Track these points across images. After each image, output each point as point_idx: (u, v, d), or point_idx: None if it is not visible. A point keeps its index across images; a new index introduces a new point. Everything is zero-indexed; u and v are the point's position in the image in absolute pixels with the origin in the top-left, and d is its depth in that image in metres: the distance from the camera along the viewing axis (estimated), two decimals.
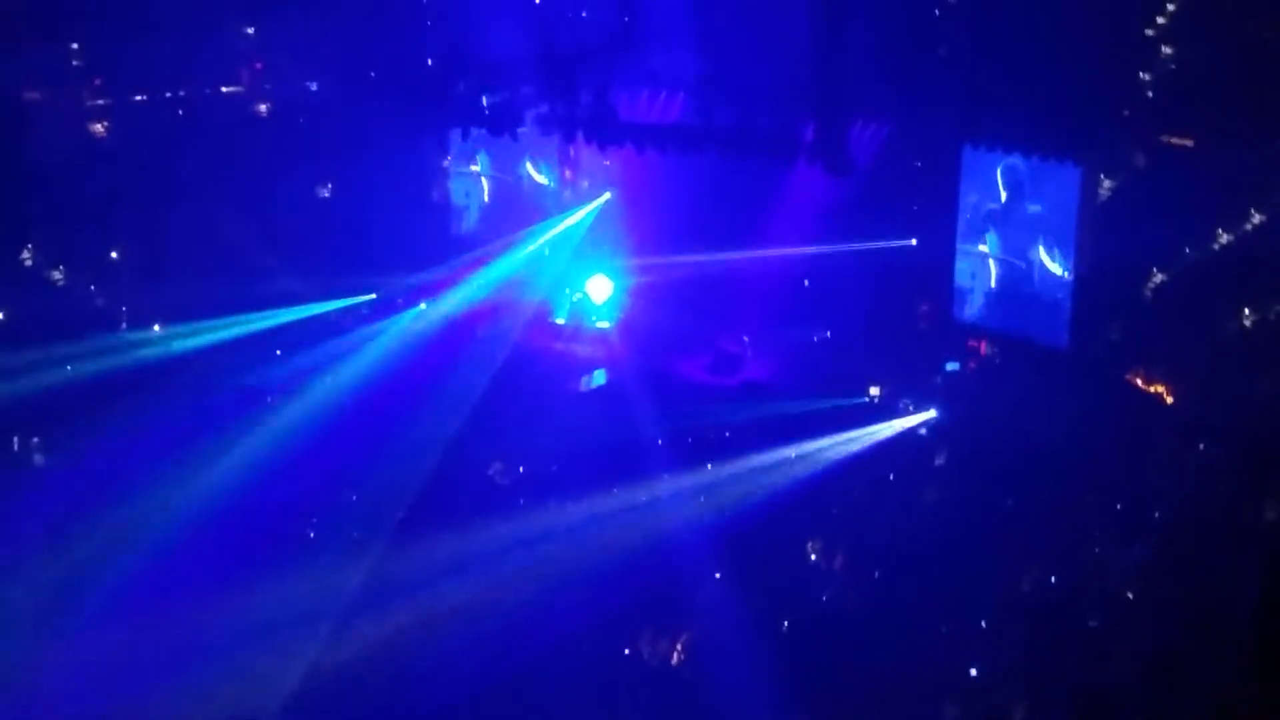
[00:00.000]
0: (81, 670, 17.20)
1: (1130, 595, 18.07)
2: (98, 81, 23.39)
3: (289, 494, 20.43)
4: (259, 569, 19.26)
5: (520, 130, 20.53)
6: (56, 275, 23.19)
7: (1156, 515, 18.71)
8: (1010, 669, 17.66)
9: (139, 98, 23.44)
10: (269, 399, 21.66)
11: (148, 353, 22.28)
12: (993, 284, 20.36)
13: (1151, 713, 15.19)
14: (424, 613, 18.66)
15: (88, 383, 21.74)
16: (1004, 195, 19.99)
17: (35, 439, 21.32)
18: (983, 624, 18.45)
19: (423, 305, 22.87)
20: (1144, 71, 20.14)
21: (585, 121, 19.61)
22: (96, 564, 18.81)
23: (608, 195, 22.85)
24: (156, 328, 22.81)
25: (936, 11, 20.33)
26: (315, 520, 20.50)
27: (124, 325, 22.83)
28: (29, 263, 23.04)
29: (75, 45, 22.97)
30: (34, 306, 22.53)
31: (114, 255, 23.38)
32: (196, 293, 22.35)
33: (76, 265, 23.21)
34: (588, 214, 23.01)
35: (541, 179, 23.18)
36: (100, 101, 23.44)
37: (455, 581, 18.98)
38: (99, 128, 23.50)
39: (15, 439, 21.31)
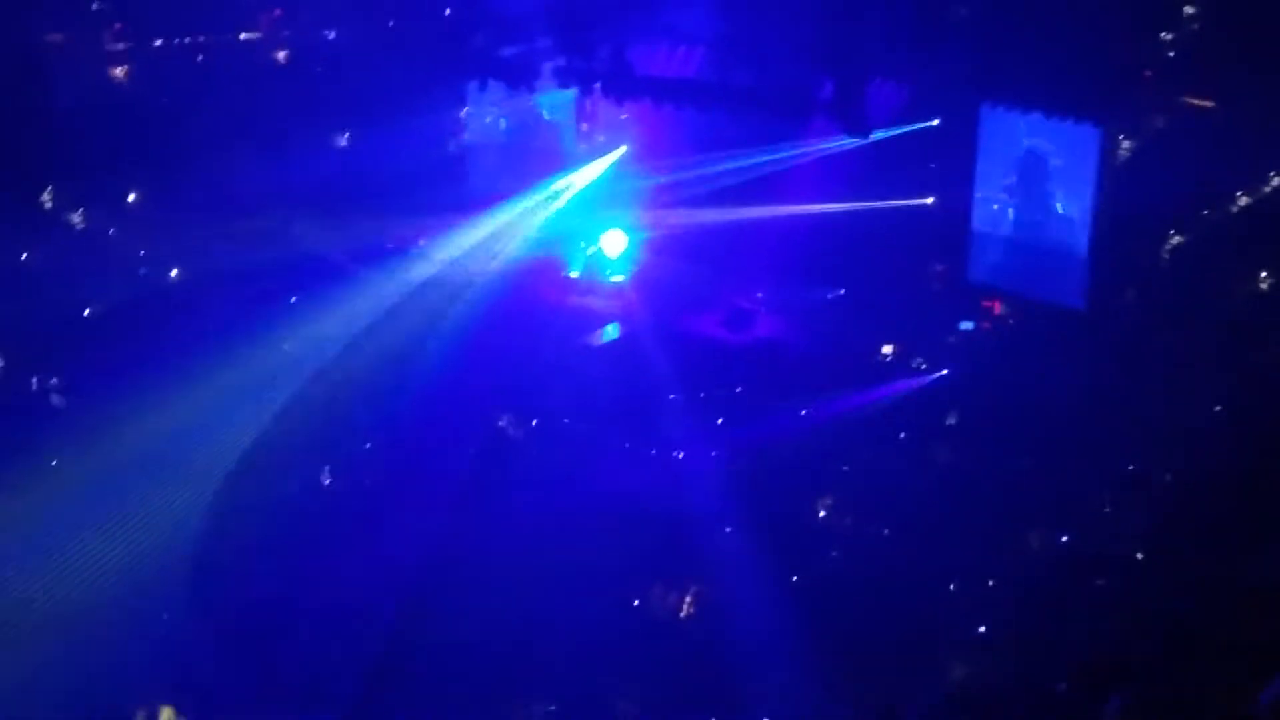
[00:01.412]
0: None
1: (1140, 556, 18.14)
2: (118, 26, 23.39)
3: (302, 441, 20.60)
4: (270, 513, 19.46)
5: (537, 82, 20.50)
6: (76, 218, 23.25)
7: (1169, 477, 18.74)
8: (1017, 628, 17.77)
9: (158, 43, 23.44)
10: (283, 345, 21.77)
11: (164, 297, 22.46)
12: (1010, 230, 20.28)
13: (1157, 674, 15.26)
14: (431, 562, 18.84)
15: (106, 325, 21.90)
16: (1026, 143, 19.94)
17: (54, 380, 21.42)
18: (990, 583, 18.55)
19: (436, 256, 22.90)
20: (1165, 31, 20.00)
21: (602, 75, 19.56)
22: (108, 510, 19.05)
23: (624, 149, 22.83)
24: (174, 272, 22.90)
25: None
26: (328, 467, 20.67)
27: (142, 270, 22.91)
28: (49, 205, 23.12)
29: None
30: (53, 249, 22.62)
31: (132, 199, 23.42)
32: (213, 238, 22.42)
33: (96, 208, 23.27)
34: (605, 167, 23.00)
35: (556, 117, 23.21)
36: (120, 46, 23.44)
37: (464, 533, 19.14)
38: (119, 72, 23.51)
39: (34, 380, 21.42)
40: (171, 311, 21.92)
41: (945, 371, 20.88)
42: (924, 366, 21.07)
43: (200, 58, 23.46)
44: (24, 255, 22.52)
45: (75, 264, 22.35)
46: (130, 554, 18.58)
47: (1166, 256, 20.25)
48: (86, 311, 22.15)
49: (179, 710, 17.33)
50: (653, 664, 18.25)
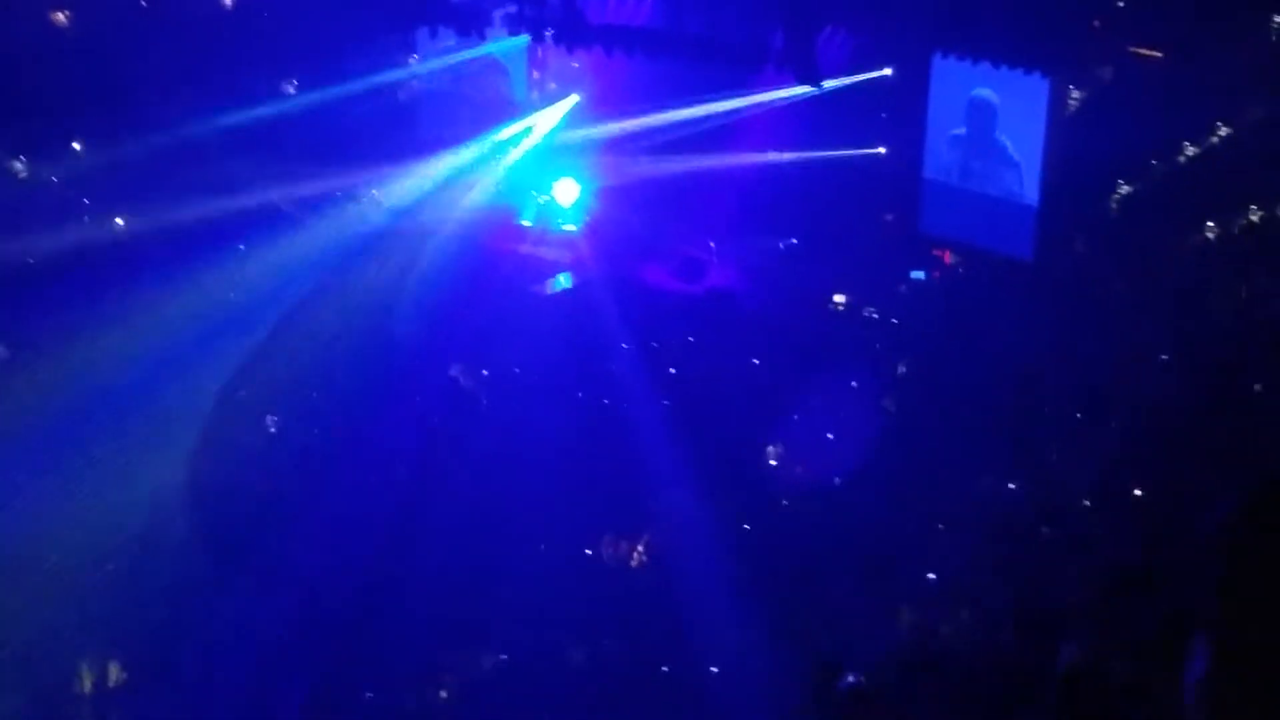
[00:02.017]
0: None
1: (1088, 504, 18.28)
2: None
3: (248, 390, 20.48)
4: (219, 464, 19.36)
5: (488, 30, 20.34)
6: (17, 166, 22.96)
7: (1116, 427, 18.87)
8: (967, 577, 17.90)
9: None
10: (230, 294, 21.60)
11: (109, 246, 22.21)
12: (960, 181, 20.27)
13: (1099, 625, 15.38)
14: (382, 512, 18.79)
15: (49, 275, 21.66)
16: (976, 93, 19.92)
17: None
18: (940, 532, 18.67)
19: (386, 204, 22.73)
20: None
21: (554, 23, 19.41)
22: (53, 463, 18.88)
23: (576, 98, 22.71)
24: (119, 220, 22.65)
25: None
26: (275, 418, 20.57)
27: (86, 218, 22.65)
28: None
29: None
30: None
31: (76, 146, 23.15)
32: (159, 186, 22.17)
33: (38, 156, 22.97)
34: (557, 116, 22.87)
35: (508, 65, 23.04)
36: None
37: (415, 484, 19.11)
38: (60, 17, 23.19)
39: None
40: (117, 260, 21.65)
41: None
42: (875, 315, 21.14)
43: (144, 3, 23.16)
44: None
45: (17, 212, 22.01)
46: (76, 507, 18.43)
47: (1115, 206, 20.35)
48: (29, 261, 21.85)
49: (125, 666, 17.31)
50: (604, 614, 18.32)
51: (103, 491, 18.54)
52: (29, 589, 17.39)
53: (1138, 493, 17.66)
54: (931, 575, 18.18)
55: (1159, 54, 19.70)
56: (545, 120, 22.87)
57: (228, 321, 21.00)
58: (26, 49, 22.38)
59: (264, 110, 22.49)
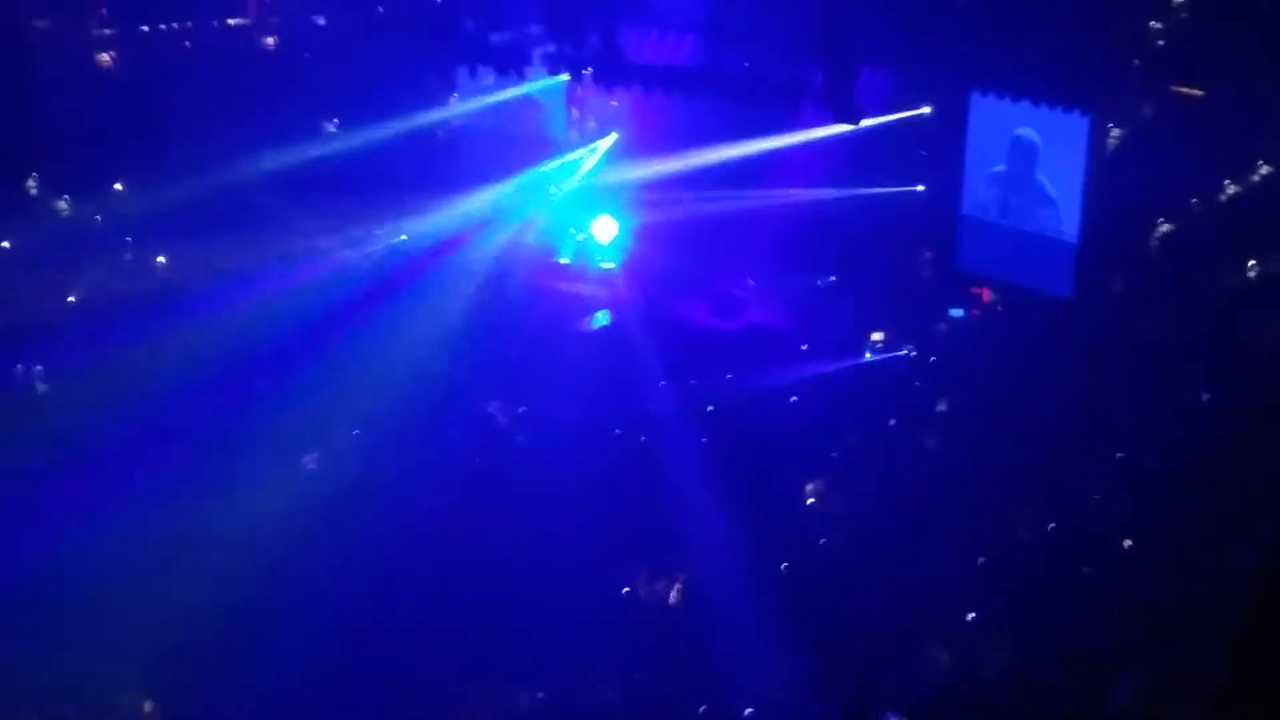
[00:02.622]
0: None
1: (1127, 544, 18.14)
2: (104, 11, 23.33)
3: (289, 426, 20.53)
4: (257, 502, 19.37)
5: (528, 69, 20.41)
6: (61, 204, 23.18)
7: (1157, 466, 18.75)
8: (1005, 616, 17.76)
9: (145, 28, 23.41)
10: (269, 332, 21.69)
11: (150, 284, 22.38)
12: (999, 218, 20.26)
13: (1142, 664, 15.26)
14: (419, 549, 18.76)
15: (91, 312, 21.82)
16: (1016, 131, 19.92)
17: (39, 367, 21.35)
18: (979, 570, 18.54)
19: (425, 242, 22.84)
20: (1154, 20, 20.05)
21: (593, 62, 19.45)
22: (91, 499, 18.96)
23: (615, 136, 22.81)
24: (161, 259, 22.82)
25: None
26: (316, 454, 20.60)
27: (128, 256, 22.84)
28: (34, 191, 23.05)
29: None
30: (38, 236, 22.53)
31: (118, 186, 23.37)
32: (200, 225, 22.34)
33: (81, 195, 23.21)
34: (595, 154, 22.97)
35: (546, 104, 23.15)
36: (106, 31, 23.41)
37: (452, 521, 19.09)
38: (105, 58, 23.47)
39: (19, 366, 21.34)
40: (158, 299, 21.82)
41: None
42: (914, 353, 21.11)
43: (187, 44, 23.43)
44: (5, 243, 22.45)
45: (60, 251, 22.24)
46: (113, 543, 18.46)
47: (1155, 245, 20.32)
48: (71, 298, 22.04)
49: (160, 702, 17.29)
50: (640, 652, 18.20)
51: (140, 528, 18.57)
52: (66, 624, 17.41)
53: (1178, 532, 17.50)
54: (971, 614, 18.03)
55: (1199, 92, 19.68)
56: (584, 159, 22.98)
57: (266, 359, 21.09)
58: (71, 89, 22.66)
59: (305, 150, 22.68)
